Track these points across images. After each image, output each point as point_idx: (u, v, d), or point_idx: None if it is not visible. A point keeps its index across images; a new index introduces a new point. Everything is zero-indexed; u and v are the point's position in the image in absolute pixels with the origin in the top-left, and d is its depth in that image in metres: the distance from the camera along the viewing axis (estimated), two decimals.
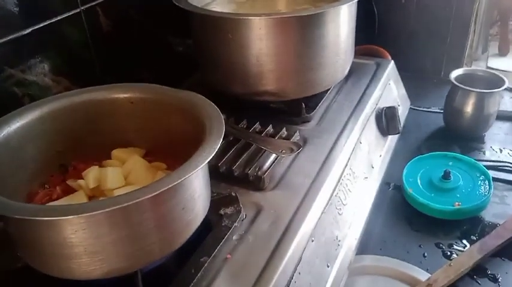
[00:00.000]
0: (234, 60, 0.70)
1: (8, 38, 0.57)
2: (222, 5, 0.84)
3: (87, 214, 0.37)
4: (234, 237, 0.54)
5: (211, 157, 0.43)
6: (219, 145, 0.45)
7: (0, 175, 0.47)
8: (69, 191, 0.52)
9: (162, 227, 0.43)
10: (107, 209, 0.37)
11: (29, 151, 0.52)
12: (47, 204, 0.49)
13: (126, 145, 0.58)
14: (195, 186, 0.46)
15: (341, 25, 0.70)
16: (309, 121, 0.75)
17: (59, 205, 0.44)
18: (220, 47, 0.70)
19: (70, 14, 0.65)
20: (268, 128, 0.71)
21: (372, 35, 1.13)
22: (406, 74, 1.00)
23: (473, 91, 0.91)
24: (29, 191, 0.52)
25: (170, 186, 0.39)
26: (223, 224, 0.55)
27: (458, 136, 0.96)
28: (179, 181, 0.40)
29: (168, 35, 0.87)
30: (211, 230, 0.54)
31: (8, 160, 0.49)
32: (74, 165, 0.56)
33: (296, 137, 0.69)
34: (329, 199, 0.61)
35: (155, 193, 0.38)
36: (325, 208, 0.60)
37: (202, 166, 0.42)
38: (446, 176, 0.80)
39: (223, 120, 0.49)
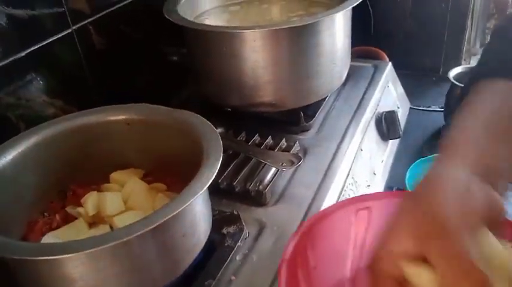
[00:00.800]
0: (229, 73, 0.69)
1: (1, 63, 0.56)
2: (215, 15, 0.83)
3: (88, 251, 0.36)
4: (238, 257, 0.53)
5: (210, 181, 0.43)
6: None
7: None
8: (68, 218, 0.52)
9: (163, 256, 0.43)
10: (108, 245, 0.36)
11: (27, 180, 0.51)
12: (48, 234, 0.48)
13: (125, 167, 0.57)
14: (196, 211, 0.45)
15: (336, 32, 0.69)
16: (308, 130, 0.74)
17: (59, 243, 0.44)
18: (215, 60, 0.70)
19: (62, 34, 0.64)
20: (268, 140, 0.70)
21: (367, 35, 1.12)
22: (404, 73, 0.99)
23: None
24: (29, 219, 0.52)
25: (170, 216, 0.39)
26: (226, 244, 0.54)
27: None
28: (179, 210, 0.39)
29: (161, 45, 0.87)
30: (214, 250, 0.53)
31: (5, 191, 0.48)
32: (73, 190, 0.55)
33: (296, 148, 0.68)
34: None
35: (156, 225, 0.38)
36: None
37: (201, 192, 0.41)
38: None
39: (221, 142, 0.48)
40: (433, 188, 0.33)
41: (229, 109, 0.76)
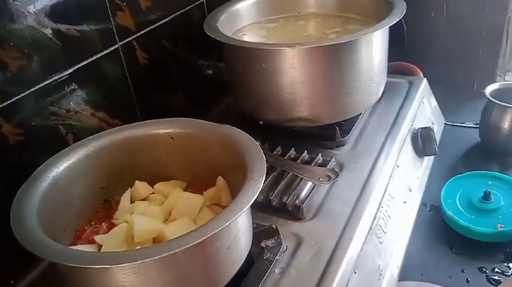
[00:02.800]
0: (267, 88, 0.71)
1: (52, 78, 0.60)
2: (252, 31, 0.85)
3: (141, 261, 0.37)
4: (276, 271, 0.54)
5: (256, 196, 0.44)
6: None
7: (51, 214, 0.49)
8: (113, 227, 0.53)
9: (208, 268, 0.44)
10: (159, 256, 0.37)
11: (76, 189, 0.54)
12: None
13: (167, 178, 0.59)
14: (240, 225, 0.46)
15: (374, 49, 0.70)
16: (343, 145, 0.74)
17: (113, 251, 0.45)
18: (253, 76, 0.71)
19: (109, 50, 0.67)
20: (304, 155, 0.71)
21: (401, 50, 1.12)
22: (438, 87, 0.98)
23: (510, 107, 0.89)
24: (77, 227, 0.54)
25: (219, 229, 0.40)
26: (264, 257, 0.55)
27: (495, 153, 0.94)
28: (227, 224, 0.40)
29: (199, 59, 0.89)
30: (252, 263, 0.54)
31: (58, 199, 0.51)
32: (118, 200, 0.57)
33: (332, 163, 0.69)
34: (370, 228, 0.60)
35: (205, 238, 0.39)
36: (366, 238, 0.59)
37: (247, 207, 0.42)
38: (486, 196, 0.78)
39: (264, 157, 0.49)
40: None
41: (263, 123, 0.77)
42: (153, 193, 0.57)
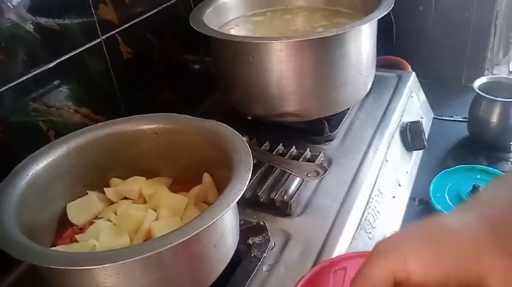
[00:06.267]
0: (255, 83, 0.70)
1: (32, 73, 0.58)
2: (239, 25, 0.83)
3: (122, 262, 0.36)
4: (264, 268, 0.53)
5: (242, 193, 0.43)
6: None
7: (30, 213, 0.47)
8: None
9: (194, 267, 0.43)
10: (142, 256, 0.36)
11: (57, 187, 0.52)
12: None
13: (153, 175, 0.58)
14: (226, 223, 0.45)
15: (362, 43, 0.69)
16: (332, 140, 0.74)
17: (94, 252, 0.44)
18: (240, 70, 0.70)
19: (91, 44, 0.65)
20: (292, 150, 0.70)
21: (390, 44, 1.12)
22: (427, 82, 0.98)
23: (499, 100, 0.89)
24: (58, 227, 0.52)
25: (204, 227, 0.39)
26: (252, 254, 0.54)
27: (484, 146, 0.94)
28: (212, 222, 0.39)
29: (185, 54, 0.87)
30: (240, 261, 0.53)
31: (37, 198, 0.49)
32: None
33: (321, 159, 0.68)
34: (359, 223, 0.60)
35: (190, 236, 0.38)
36: (355, 233, 0.58)
37: (233, 204, 0.41)
38: (475, 191, 0.78)
39: (251, 153, 0.48)
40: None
41: (251, 118, 0.76)
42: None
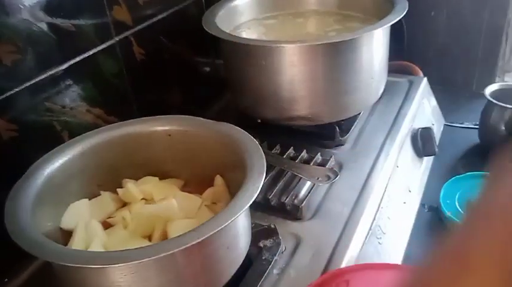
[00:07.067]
0: (266, 86, 0.70)
1: (47, 73, 0.58)
2: (250, 28, 0.84)
3: (138, 262, 0.36)
4: (275, 271, 0.53)
5: (255, 195, 0.43)
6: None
7: (45, 212, 0.48)
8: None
9: (207, 268, 0.43)
10: (157, 257, 0.36)
11: (71, 187, 0.53)
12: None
13: (164, 176, 0.58)
14: (239, 225, 0.46)
15: (375, 48, 0.69)
16: (342, 144, 0.74)
17: (110, 251, 0.44)
18: (252, 73, 0.70)
19: (105, 45, 0.66)
20: (303, 154, 0.70)
21: (401, 49, 1.11)
22: (437, 88, 0.98)
23: (510, 108, 0.88)
24: None
25: (218, 229, 0.39)
26: (263, 257, 0.54)
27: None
28: (227, 223, 0.39)
29: (197, 56, 0.88)
30: (251, 264, 0.53)
31: (52, 197, 0.50)
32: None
33: (331, 163, 0.68)
34: (369, 229, 0.60)
35: (204, 237, 0.38)
36: (366, 238, 0.58)
37: (247, 206, 0.42)
38: None
39: (264, 156, 0.48)
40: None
41: (261, 121, 0.76)
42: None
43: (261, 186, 0.44)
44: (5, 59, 0.53)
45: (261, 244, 0.55)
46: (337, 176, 0.62)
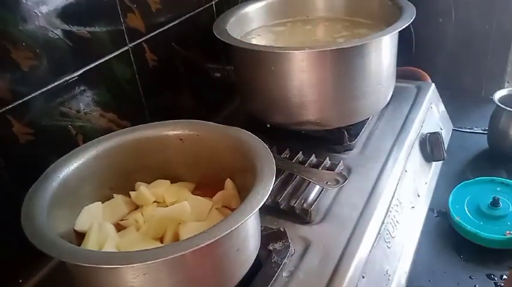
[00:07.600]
0: (275, 91, 0.71)
1: (63, 79, 0.60)
2: (260, 34, 0.85)
3: (151, 262, 0.37)
4: (284, 274, 0.53)
5: (265, 198, 0.44)
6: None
7: (59, 214, 0.49)
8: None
9: (217, 269, 0.44)
10: (169, 257, 0.37)
11: (85, 189, 0.54)
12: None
13: (176, 180, 0.59)
14: (249, 227, 0.46)
15: (383, 54, 0.70)
16: (351, 149, 0.74)
17: (124, 251, 0.46)
18: (262, 79, 0.71)
19: (119, 52, 0.67)
20: (312, 158, 0.70)
21: (409, 55, 1.12)
22: (446, 93, 0.98)
23: None
24: None
25: (229, 231, 0.40)
26: (272, 260, 0.55)
27: (504, 159, 0.93)
28: (237, 226, 0.40)
29: (208, 62, 0.89)
30: (260, 266, 0.54)
31: (67, 199, 0.51)
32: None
33: (340, 167, 0.69)
34: (378, 233, 0.60)
35: (215, 239, 0.39)
36: (374, 242, 0.59)
37: (257, 208, 0.42)
38: (495, 203, 0.78)
39: (274, 160, 0.49)
40: None
41: (270, 126, 0.77)
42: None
43: (270, 190, 0.45)
44: (23, 65, 0.55)
45: (270, 247, 0.56)
46: (346, 180, 0.62)
